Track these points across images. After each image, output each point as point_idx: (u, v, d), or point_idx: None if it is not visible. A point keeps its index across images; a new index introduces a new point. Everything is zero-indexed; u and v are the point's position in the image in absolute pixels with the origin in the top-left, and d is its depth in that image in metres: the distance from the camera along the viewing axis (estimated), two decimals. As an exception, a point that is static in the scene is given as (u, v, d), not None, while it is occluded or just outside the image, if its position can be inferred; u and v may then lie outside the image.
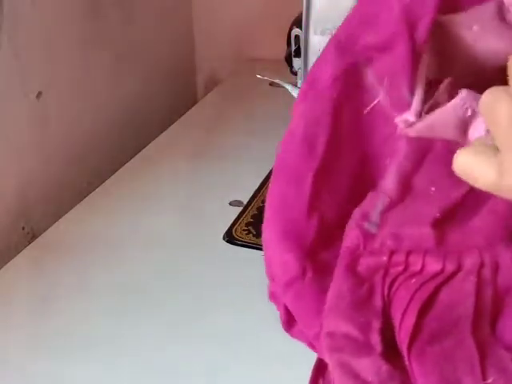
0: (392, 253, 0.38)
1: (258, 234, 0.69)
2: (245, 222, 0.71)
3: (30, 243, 0.72)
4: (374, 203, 0.39)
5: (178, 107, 1.07)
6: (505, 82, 0.31)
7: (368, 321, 0.37)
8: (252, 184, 0.78)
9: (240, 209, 0.74)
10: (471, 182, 0.32)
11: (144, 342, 0.56)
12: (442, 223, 0.38)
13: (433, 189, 0.39)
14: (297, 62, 0.63)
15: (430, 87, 0.39)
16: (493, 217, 0.38)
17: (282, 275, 0.41)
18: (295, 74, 0.64)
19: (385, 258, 0.38)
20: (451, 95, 0.39)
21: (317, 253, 0.41)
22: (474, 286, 0.37)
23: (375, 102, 0.40)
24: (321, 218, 0.41)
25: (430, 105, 0.39)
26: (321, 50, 0.59)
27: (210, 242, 0.69)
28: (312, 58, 0.60)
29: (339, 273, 0.39)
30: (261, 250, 0.66)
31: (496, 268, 0.37)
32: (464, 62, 0.39)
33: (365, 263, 0.39)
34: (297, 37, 0.62)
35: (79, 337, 0.57)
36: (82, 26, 0.86)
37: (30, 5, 0.75)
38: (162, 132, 0.95)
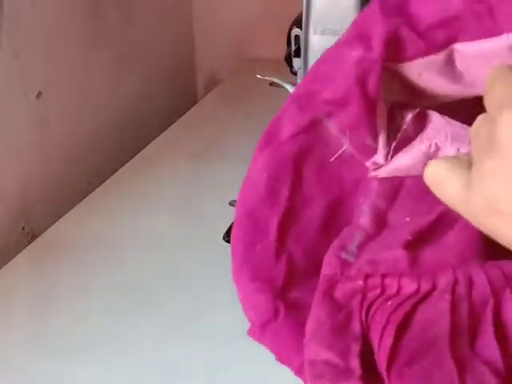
0: (367, 276, 0.39)
1: (258, 234, 0.69)
2: (245, 221, 0.71)
3: (30, 243, 0.72)
4: (352, 237, 0.40)
5: (178, 107, 1.07)
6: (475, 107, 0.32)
7: (347, 346, 0.37)
8: (252, 184, 0.78)
9: (240, 209, 0.74)
10: (439, 194, 0.32)
11: (144, 342, 0.56)
12: (415, 245, 0.38)
13: (407, 219, 0.40)
14: (297, 62, 0.63)
15: (400, 111, 0.41)
16: (464, 234, 0.38)
17: (256, 318, 0.42)
18: (295, 74, 0.64)
19: (361, 283, 0.39)
20: (419, 126, 0.41)
21: (288, 291, 0.42)
22: (449, 304, 0.37)
23: (341, 151, 0.42)
24: (289, 260, 0.42)
25: (398, 139, 0.41)
26: (321, 50, 0.60)
27: (210, 242, 0.69)
28: (312, 58, 0.60)
29: (317, 300, 0.40)
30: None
31: (470, 284, 0.37)
32: (427, 97, 0.41)
33: (342, 289, 0.39)
34: (297, 37, 0.62)
35: (79, 337, 0.57)
36: (82, 26, 0.86)
37: (29, 5, 0.75)
38: (162, 132, 0.95)
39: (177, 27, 1.17)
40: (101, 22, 0.90)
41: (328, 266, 0.40)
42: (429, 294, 0.38)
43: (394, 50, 0.40)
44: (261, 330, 0.41)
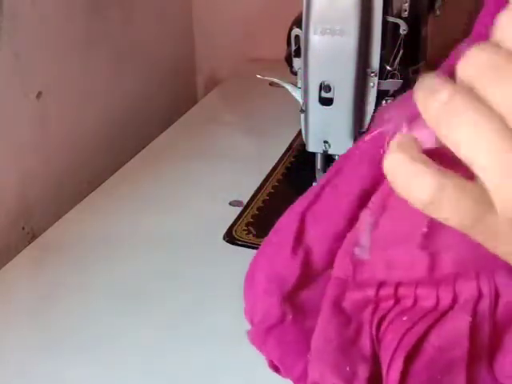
0: (381, 285, 0.36)
1: (258, 234, 0.69)
2: (245, 222, 0.71)
3: (30, 243, 0.72)
4: (363, 226, 0.37)
5: (178, 107, 1.07)
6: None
7: (355, 370, 0.35)
8: (252, 184, 0.78)
9: (240, 209, 0.74)
10: (404, 194, 0.26)
11: (144, 342, 0.56)
12: (432, 241, 0.34)
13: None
14: (297, 62, 0.63)
15: None
16: None
17: (262, 321, 0.41)
18: (295, 74, 0.64)
19: (372, 292, 0.36)
20: None
21: (298, 293, 0.40)
22: (469, 325, 0.33)
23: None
24: (305, 256, 0.40)
25: None
26: (321, 50, 0.60)
27: (210, 241, 0.69)
28: (312, 58, 0.60)
29: (325, 310, 0.38)
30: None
31: (496, 298, 0.34)
32: None
33: (351, 298, 0.37)
34: (297, 37, 0.62)
35: (79, 337, 0.57)
36: (82, 26, 0.86)
37: (29, 5, 0.75)
38: (162, 132, 0.95)
39: (177, 27, 1.17)
40: (101, 22, 0.90)
41: (340, 268, 0.38)
42: (448, 309, 0.34)
43: None
44: (264, 334, 0.40)
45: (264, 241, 0.45)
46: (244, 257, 0.66)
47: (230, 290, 0.62)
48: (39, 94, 0.78)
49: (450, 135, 0.25)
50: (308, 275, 0.40)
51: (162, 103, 1.09)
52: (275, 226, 0.43)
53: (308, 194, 0.41)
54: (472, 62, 0.25)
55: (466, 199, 0.25)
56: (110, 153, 0.93)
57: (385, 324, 0.36)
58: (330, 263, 0.39)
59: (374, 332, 0.36)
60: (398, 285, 0.35)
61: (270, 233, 0.44)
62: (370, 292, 0.37)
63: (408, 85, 0.66)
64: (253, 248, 0.67)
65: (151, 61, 1.06)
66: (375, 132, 0.39)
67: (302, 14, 0.60)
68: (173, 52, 1.15)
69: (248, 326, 0.56)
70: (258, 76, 0.68)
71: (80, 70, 0.87)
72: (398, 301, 0.36)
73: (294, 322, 0.40)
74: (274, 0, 1.14)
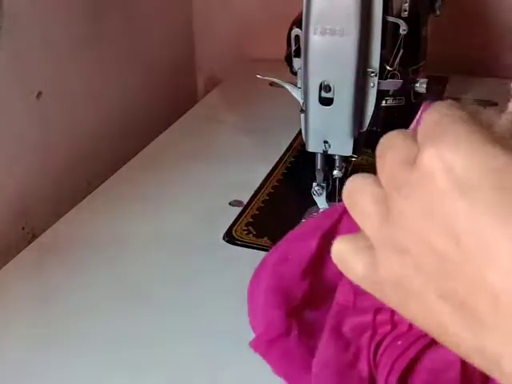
0: (378, 310, 0.38)
1: (258, 234, 0.69)
2: (245, 222, 0.71)
3: (30, 243, 0.72)
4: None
5: (178, 107, 1.07)
6: None
7: None
8: (252, 184, 0.78)
9: (240, 209, 0.74)
10: (345, 272, 0.31)
11: (144, 341, 0.56)
12: None
13: None
14: (297, 62, 0.63)
15: None
16: None
17: (266, 332, 0.41)
18: (295, 74, 0.64)
19: (370, 318, 0.38)
20: None
21: (304, 311, 0.41)
22: None
23: None
24: (314, 281, 0.41)
25: None
26: (321, 50, 0.60)
27: (210, 241, 0.69)
28: (312, 58, 0.60)
29: (325, 335, 0.39)
30: (261, 249, 0.66)
31: None
32: None
33: (351, 323, 0.38)
34: (297, 37, 0.62)
35: (79, 337, 0.57)
36: (81, 26, 0.86)
37: (29, 5, 0.75)
38: (162, 132, 0.95)
39: (177, 27, 1.17)
40: (101, 22, 0.90)
41: (342, 294, 0.39)
42: None
43: None
44: (268, 344, 0.41)
45: (273, 250, 0.45)
46: (244, 257, 0.66)
47: (229, 289, 0.62)
48: (39, 94, 0.78)
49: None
50: (317, 294, 0.41)
51: (162, 103, 1.09)
52: (288, 237, 0.44)
53: (332, 213, 0.43)
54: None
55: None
56: (109, 153, 0.93)
57: (381, 349, 0.37)
58: (337, 284, 0.41)
59: (371, 357, 0.37)
60: (393, 311, 0.36)
61: (281, 243, 0.44)
62: (368, 317, 0.38)
63: (408, 85, 0.66)
64: (253, 248, 0.67)
65: (151, 61, 1.06)
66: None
67: (301, 13, 0.60)
68: (173, 52, 1.15)
69: (248, 326, 0.56)
70: (258, 76, 0.67)
71: (80, 70, 0.87)
72: (394, 326, 0.37)
73: (299, 338, 0.41)
74: (274, 0, 1.14)
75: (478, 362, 0.26)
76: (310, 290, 0.41)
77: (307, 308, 0.41)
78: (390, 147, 0.29)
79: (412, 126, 0.32)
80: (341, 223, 0.42)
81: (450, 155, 0.26)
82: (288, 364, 0.41)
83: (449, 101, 0.29)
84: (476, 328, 0.25)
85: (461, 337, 0.26)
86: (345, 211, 0.41)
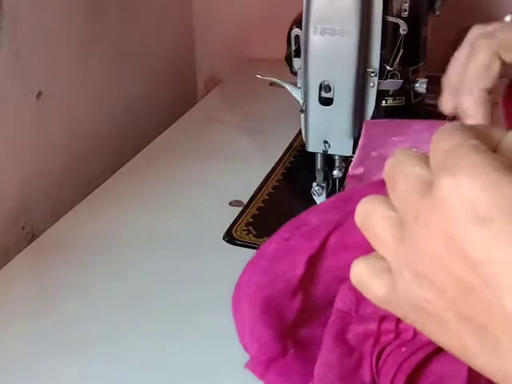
0: (382, 319, 0.38)
1: (258, 234, 0.69)
2: (245, 222, 0.71)
3: (30, 243, 0.72)
4: None
5: (178, 107, 1.07)
6: None
7: None
8: (252, 184, 0.78)
9: (240, 209, 0.74)
10: (366, 294, 0.32)
11: (144, 341, 0.56)
12: None
13: None
14: (297, 62, 0.63)
15: None
16: None
17: (262, 353, 0.41)
18: (295, 74, 0.64)
19: (374, 327, 0.38)
20: None
21: (298, 329, 0.41)
22: None
23: None
24: (305, 298, 0.42)
25: None
26: (321, 50, 0.60)
27: (210, 241, 0.69)
28: (312, 58, 0.60)
29: (328, 340, 0.39)
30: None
31: None
32: None
33: (355, 330, 0.39)
34: (297, 37, 0.62)
35: (79, 337, 0.57)
36: (82, 26, 0.86)
37: (29, 5, 0.75)
38: (162, 132, 0.95)
39: (177, 27, 1.17)
40: (101, 22, 0.90)
41: (342, 301, 0.39)
42: None
43: None
44: (266, 365, 0.41)
45: (254, 265, 0.45)
46: (244, 257, 0.66)
47: (229, 290, 0.62)
48: (39, 94, 0.78)
49: None
50: (309, 312, 0.41)
51: (161, 103, 1.09)
52: (266, 252, 0.44)
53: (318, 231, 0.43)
54: None
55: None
56: (109, 153, 0.93)
57: (385, 354, 0.37)
58: (328, 300, 0.41)
59: (373, 362, 0.37)
60: (398, 319, 0.36)
61: (263, 260, 0.44)
62: (373, 326, 0.38)
63: (408, 85, 0.66)
64: (253, 248, 0.67)
65: (151, 61, 1.06)
66: None
67: (302, 13, 0.60)
68: (173, 52, 1.15)
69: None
70: (258, 76, 0.68)
71: (80, 70, 0.87)
72: (398, 334, 0.37)
73: (296, 356, 0.41)
74: (274, 0, 1.14)
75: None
76: (301, 308, 0.42)
77: (301, 326, 0.41)
78: (401, 171, 0.30)
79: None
80: (328, 241, 0.42)
81: (467, 185, 0.26)
82: (289, 383, 0.41)
83: (458, 124, 0.30)
84: (495, 350, 0.26)
85: (482, 359, 0.26)
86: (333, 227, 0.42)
